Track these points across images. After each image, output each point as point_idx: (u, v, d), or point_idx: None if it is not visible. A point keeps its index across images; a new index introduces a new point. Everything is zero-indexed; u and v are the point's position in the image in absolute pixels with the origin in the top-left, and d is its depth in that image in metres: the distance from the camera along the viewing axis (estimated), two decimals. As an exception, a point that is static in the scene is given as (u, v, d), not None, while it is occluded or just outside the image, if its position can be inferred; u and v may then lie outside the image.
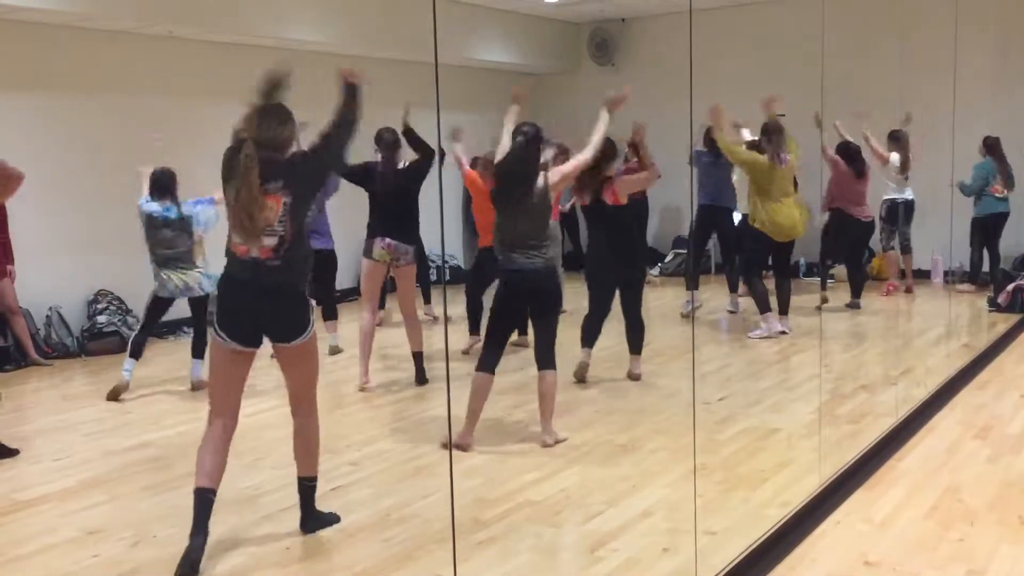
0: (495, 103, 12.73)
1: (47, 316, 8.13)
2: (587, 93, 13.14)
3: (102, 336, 8.14)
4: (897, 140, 9.49)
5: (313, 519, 4.07)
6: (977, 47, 9.89)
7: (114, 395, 6.44)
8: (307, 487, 4.06)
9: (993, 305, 9.06)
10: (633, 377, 6.59)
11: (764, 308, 7.84)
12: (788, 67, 10.62)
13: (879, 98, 10.58)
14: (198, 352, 6.63)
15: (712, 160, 8.65)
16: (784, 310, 8.08)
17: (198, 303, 6.64)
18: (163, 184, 6.50)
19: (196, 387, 6.62)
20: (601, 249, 6.42)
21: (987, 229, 9.81)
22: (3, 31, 7.85)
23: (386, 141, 6.31)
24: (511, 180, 5.12)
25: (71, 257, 8.32)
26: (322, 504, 4.22)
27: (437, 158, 6.38)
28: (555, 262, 5.38)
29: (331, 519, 4.12)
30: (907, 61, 10.43)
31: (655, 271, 11.40)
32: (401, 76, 10.97)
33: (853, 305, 9.02)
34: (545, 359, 5.18)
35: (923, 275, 10.67)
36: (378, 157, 6.34)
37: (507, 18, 12.02)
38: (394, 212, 6.36)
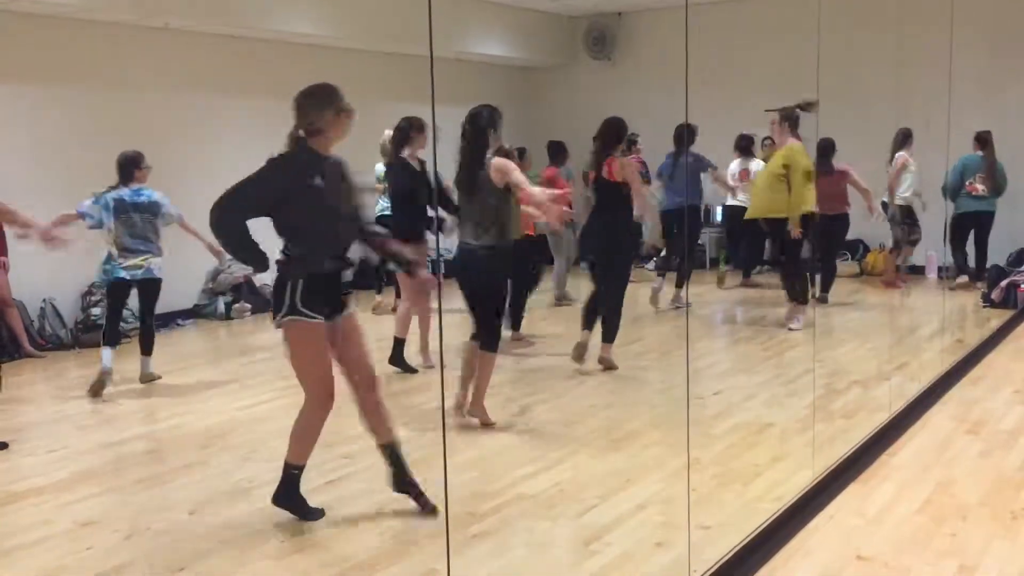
0: (490, 96, 12.78)
1: (41, 308, 8.12)
2: (583, 86, 13.18)
3: (96, 328, 8.09)
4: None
5: (291, 505, 4.08)
6: (972, 44, 9.90)
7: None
8: (291, 471, 4.07)
9: (987, 301, 9.09)
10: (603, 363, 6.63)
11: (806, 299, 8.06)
12: (784, 61, 10.64)
13: (874, 94, 10.62)
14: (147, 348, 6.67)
15: (687, 159, 8.67)
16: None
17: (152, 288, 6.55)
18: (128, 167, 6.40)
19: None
20: (594, 225, 6.51)
21: (964, 228, 9.79)
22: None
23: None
24: (461, 164, 5.25)
25: (65, 249, 8.29)
26: (315, 497, 4.23)
27: (433, 148, 6.42)
28: (496, 244, 5.26)
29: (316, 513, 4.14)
30: (902, 56, 10.45)
31: (650, 265, 11.41)
32: (396, 69, 10.98)
33: (823, 299, 9.09)
34: (481, 338, 5.30)
35: (917, 271, 10.70)
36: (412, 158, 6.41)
37: (503, 11, 12.00)
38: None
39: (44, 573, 3.65)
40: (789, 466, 4.61)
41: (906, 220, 9.66)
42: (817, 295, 9.00)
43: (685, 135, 8.67)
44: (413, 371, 6.68)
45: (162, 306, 8.58)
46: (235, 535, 3.94)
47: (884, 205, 9.70)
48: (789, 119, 7.87)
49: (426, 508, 4.08)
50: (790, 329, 7.91)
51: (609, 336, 6.59)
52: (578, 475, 4.59)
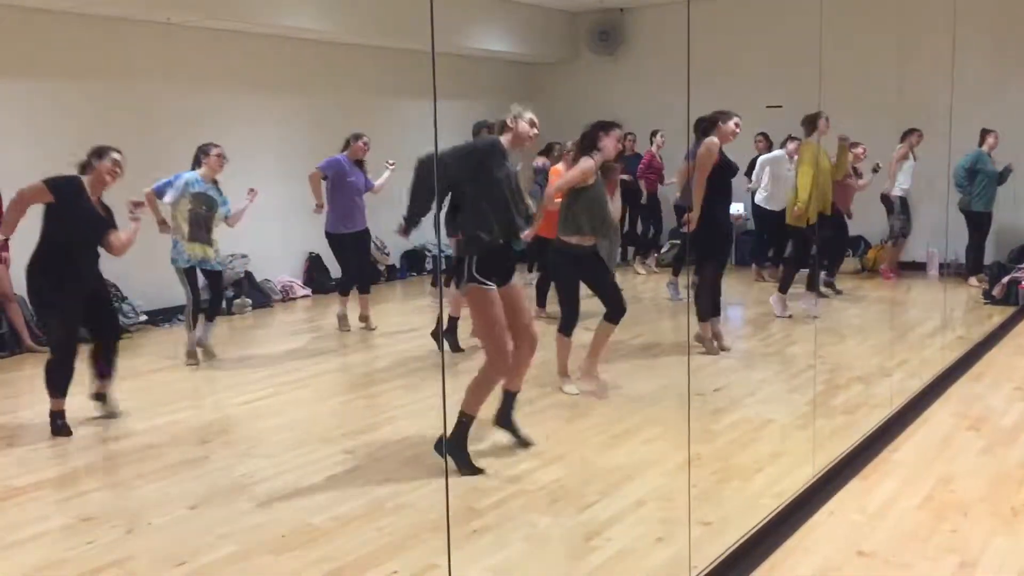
0: (492, 92, 12.79)
1: (42, 303, 8.10)
2: (586, 82, 13.17)
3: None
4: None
5: (455, 454, 4.54)
6: (975, 40, 9.87)
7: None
8: (462, 419, 4.60)
9: (988, 297, 9.08)
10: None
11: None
12: (786, 57, 10.64)
13: (877, 89, 10.59)
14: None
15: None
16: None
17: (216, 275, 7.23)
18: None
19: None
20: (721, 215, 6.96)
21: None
22: (1, 17, 7.82)
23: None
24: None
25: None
26: (316, 493, 4.23)
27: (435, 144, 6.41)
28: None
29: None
30: (905, 53, 10.43)
31: (650, 261, 11.41)
32: (401, 65, 10.98)
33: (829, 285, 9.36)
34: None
35: (919, 268, 10.69)
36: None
37: (506, 7, 11.98)
38: None
39: (44, 568, 3.65)
40: (790, 462, 4.61)
41: (903, 212, 9.88)
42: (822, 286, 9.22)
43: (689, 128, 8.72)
44: (460, 350, 7.14)
45: (163, 302, 8.60)
46: (235, 530, 3.94)
47: (883, 196, 9.90)
48: (805, 123, 8.21)
49: (522, 442, 4.90)
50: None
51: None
52: (578, 471, 4.59)
